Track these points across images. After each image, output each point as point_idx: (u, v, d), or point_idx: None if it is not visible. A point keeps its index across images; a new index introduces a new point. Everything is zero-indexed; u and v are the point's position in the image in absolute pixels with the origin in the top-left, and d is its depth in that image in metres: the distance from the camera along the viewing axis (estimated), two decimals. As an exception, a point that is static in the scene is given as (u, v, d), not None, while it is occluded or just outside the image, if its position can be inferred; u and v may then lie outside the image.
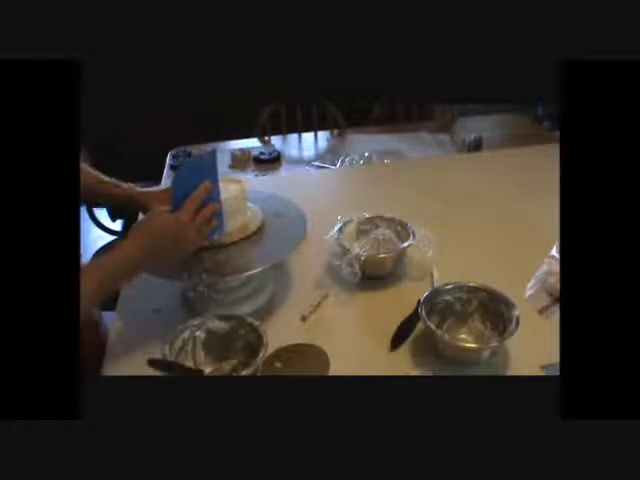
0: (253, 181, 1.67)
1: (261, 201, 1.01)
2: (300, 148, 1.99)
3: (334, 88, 0.70)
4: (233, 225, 0.90)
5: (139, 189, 0.98)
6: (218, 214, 0.83)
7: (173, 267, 0.84)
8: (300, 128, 2.06)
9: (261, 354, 0.76)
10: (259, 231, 0.94)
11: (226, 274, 0.87)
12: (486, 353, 0.83)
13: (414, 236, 1.01)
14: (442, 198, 1.32)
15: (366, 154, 1.79)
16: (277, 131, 2.06)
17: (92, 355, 0.88)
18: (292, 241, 0.91)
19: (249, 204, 0.96)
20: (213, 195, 0.82)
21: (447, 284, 0.89)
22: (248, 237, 0.92)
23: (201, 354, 0.82)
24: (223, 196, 0.86)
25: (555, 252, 1.03)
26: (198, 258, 0.86)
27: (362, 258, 0.95)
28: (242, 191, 0.93)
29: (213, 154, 0.84)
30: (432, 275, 0.98)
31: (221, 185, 0.86)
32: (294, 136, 2.05)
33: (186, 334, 0.81)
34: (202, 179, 0.80)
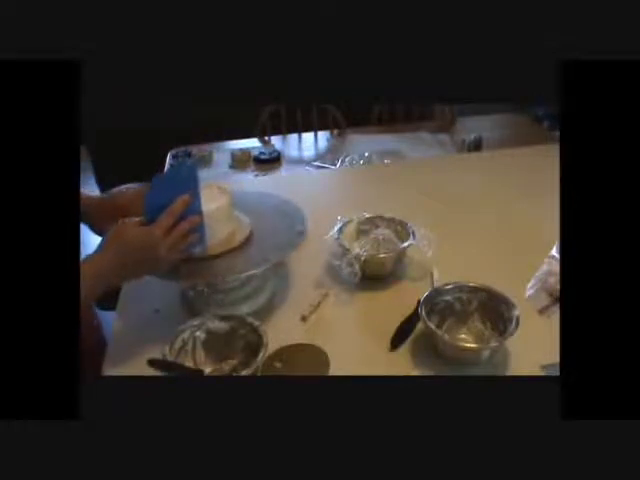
0: (253, 181, 1.67)
1: (260, 200, 1.01)
2: (300, 148, 1.99)
3: (334, 88, 0.70)
4: (220, 236, 0.87)
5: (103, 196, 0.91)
6: (199, 227, 0.80)
7: (171, 271, 0.83)
8: (300, 128, 2.06)
9: (261, 354, 0.76)
10: (250, 237, 0.92)
11: (224, 276, 0.87)
12: (486, 353, 0.83)
13: (414, 236, 1.01)
14: (442, 198, 1.32)
15: (366, 154, 1.79)
16: (277, 131, 2.06)
17: (91, 356, 0.88)
18: (291, 241, 0.91)
19: (236, 212, 0.93)
20: (194, 207, 0.79)
21: (447, 284, 0.89)
22: (240, 245, 0.90)
23: (201, 354, 0.82)
24: (210, 206, 0.83)
25: (555, 252, 1.04)
26: (196, 264, 0.85)
27: (362, 258, 0.95)
28: (227, 198, 0.89)
29: (192, 166, 0.82)
30: (432, 275, 0.98)
31: (206, 192, 0.83)
32: (294, 136, 2.05)
33: (186, 334, 0.81)
34: (180, 191, 0.78)
